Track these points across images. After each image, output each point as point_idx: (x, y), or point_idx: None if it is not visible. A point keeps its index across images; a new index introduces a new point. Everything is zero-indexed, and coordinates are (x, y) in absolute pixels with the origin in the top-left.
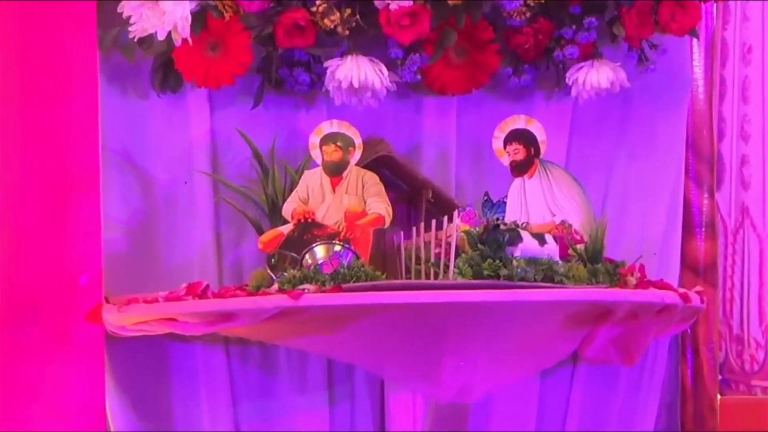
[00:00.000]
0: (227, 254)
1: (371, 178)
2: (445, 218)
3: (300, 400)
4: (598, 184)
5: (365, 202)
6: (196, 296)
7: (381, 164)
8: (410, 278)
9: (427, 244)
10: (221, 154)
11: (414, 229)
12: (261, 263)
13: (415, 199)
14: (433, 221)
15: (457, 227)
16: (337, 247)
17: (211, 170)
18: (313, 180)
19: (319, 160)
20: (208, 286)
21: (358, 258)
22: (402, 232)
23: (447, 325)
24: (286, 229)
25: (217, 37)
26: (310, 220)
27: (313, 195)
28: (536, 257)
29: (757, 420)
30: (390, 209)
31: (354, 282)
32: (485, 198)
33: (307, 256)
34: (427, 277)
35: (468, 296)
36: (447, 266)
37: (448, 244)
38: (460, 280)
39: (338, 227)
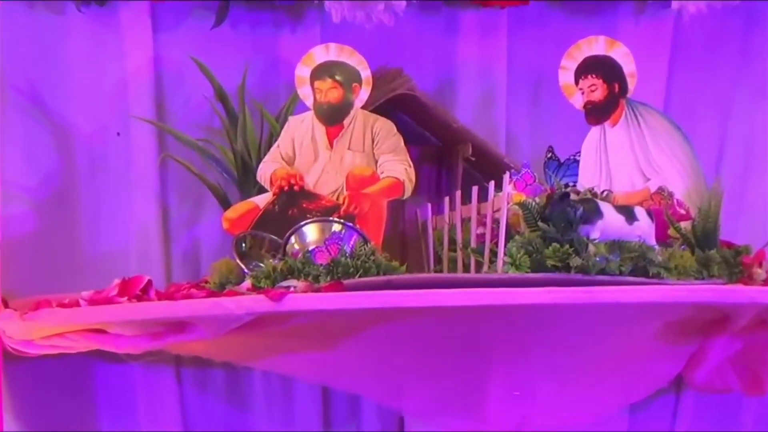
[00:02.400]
0: (178, 237)
1: (385, 128)
2: (491, 184)
3: None
4: (710, 135)
5: (376, 162)
6: (133, 297)
7: (399, 107)
8: (440, 271)
9: (465, 221)
10: (169, 94)
11: (446, 200)
12: (226, 250)
13: (447, 156)
14: (474, 189)
15: (508, 197)
16: (336, 227)
17: (154, 117)
18: (302, 130)
19: (309, 102)
20: (150, 282)
21: (366, 242)
22: (429, 205)
23: (494, 338)
24: (262, 200)
25: None
26: (296, 187)
27: (302, 152)
28: (623, 240)
29: None
30: (412, 172)
31: (361, 276)
32: (549, 155)
33: (292, 239)
34: (466, 269)
35: (524, 296)
36: (494, 253)
37: (496, 221)
38: (512, 273)
39: (337, 198)
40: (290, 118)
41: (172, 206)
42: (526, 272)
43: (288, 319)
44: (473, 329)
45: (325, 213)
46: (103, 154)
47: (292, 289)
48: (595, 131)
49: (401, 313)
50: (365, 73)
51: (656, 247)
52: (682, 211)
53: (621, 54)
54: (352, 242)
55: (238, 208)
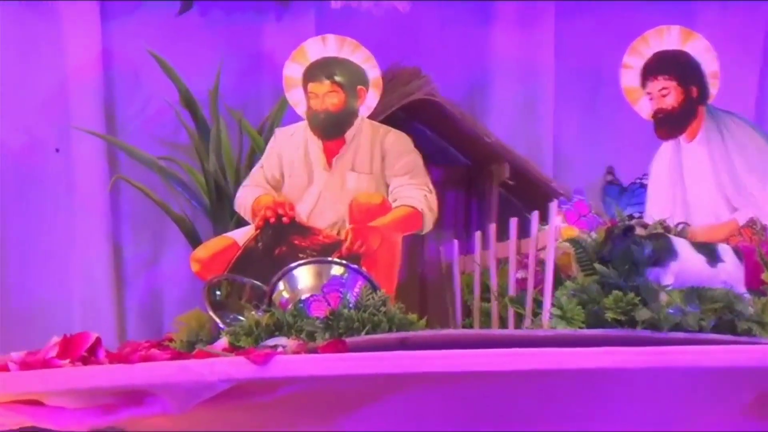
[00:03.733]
0: (134, 282)
1: (398, 143)
2: (535, 216)
3: None
4: None
5: (387, 187)
6: (77, 360)
7: (417, 116)
8: (470, 326)
9: (501, 263)
10: (121, 99)
11: (477, 235)
12: (196, 299)
13: (479, 179)
14: (513, 221)
15: (556, 232)
16: (337, 270)
17: (103, 129)
18: (292, 146)
19: (301, 109)
20: (99, 340)
21: (374, 288)
22: (456, 242)
23: (538, 410)
24: (241, 235)
25: None
26: (285, 219)
27: (292, 173)
28: (703, 287)
29: None
30: (433, 199)
31: (368, 333)
32: (608, 178)
33: (281, 285)
34: (503, 323)
35: (577, 359)
36: (539, 304)
37: (541, 263)
38: (561, 329)
39: (338, 232)
40: (277, 130)
41: (126, 242)
42: (580, 328)
43: (275, 387)
44: (511, 400)
45: (323, 252)
46: (37, 176)
47: (280, 349)
48: (666, 147)
49: (419, 380)
50: (373, 73)
51: (746, 295)
52: None
53: (700, 49)
54: (356, 289)
55: (210, 246)
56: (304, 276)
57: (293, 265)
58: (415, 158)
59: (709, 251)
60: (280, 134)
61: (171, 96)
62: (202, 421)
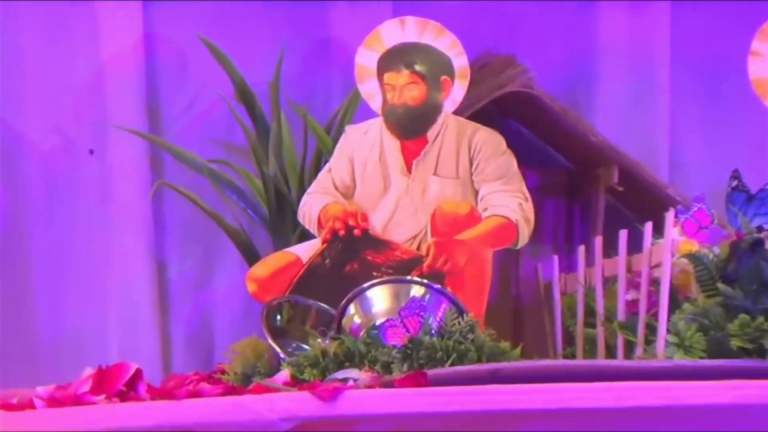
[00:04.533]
0: (180, 306)
1: (489, 142)
2: (648, 227)
3: None
4: None
5: (476, 194)
6: (114, 395)
7: (511, 111)
8: (572, 356)
9: (609, 282)
10: (166, 93)
11: (581, 250)
12: (253, 325)
13: (582, 185)
14: (622, 234)
15: (673, 247)
16: (417, 290)
17: (146, 127)
18: (365, 147)
19: (376, 104)
20: (140, 372)
21: (460, 312)
22: (556, 258)
23: None
24: (306, 250)
25: None
26: (357, 231)
27: (365, 179)
28: None
29: None
30: (529, 208)
31: (454, 364)
32: (733, 183)
33: (352, 308)
34: (610, 353)
35: (697, 394)
36: (652, 330)
37: (655, 282)
38: (679, 359)
39: (418, 247)
40: (347, 128)
41: (171, 259)
42: (700, 358)
43: (346, 427)
44: None
45: (401, 270)
46: (68, 182)
47: (350, 383)
48: None
49: (513, 420)
50: (459, 62)
51: None
52: None
53: None
54: (440, 313)
55: (269, 263)
56: (379, 298)
57: (366, 285)
58: (509, 160)
59: None
60: (351, 133)
61: (224, 89)
62: None
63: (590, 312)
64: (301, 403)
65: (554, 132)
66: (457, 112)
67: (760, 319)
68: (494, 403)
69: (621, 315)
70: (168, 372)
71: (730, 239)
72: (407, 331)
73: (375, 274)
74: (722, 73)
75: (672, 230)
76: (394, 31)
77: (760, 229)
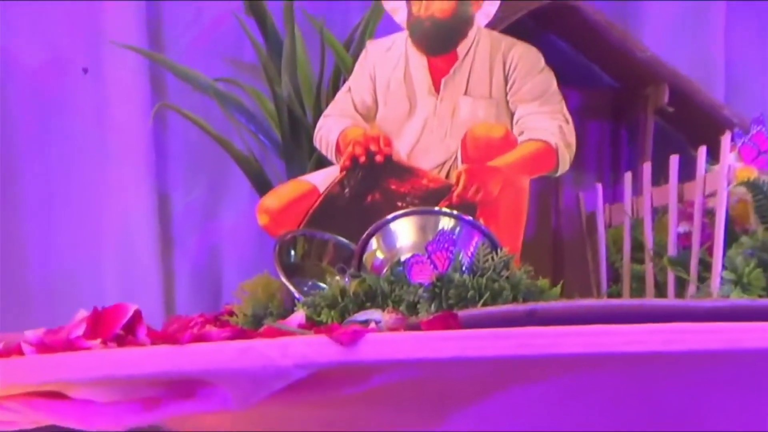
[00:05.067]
0: (184, 240)
1: (526, 59)
2: (702, 152)
3: None
4: None
5: (512, 116)
6: (111, 340)
7: (549, 25)
8: (617, 294)
9: (659, 213)
10: (168, 6)
11: (627, 177)
12: (264, 262)
13: (629, 106)
14: (674, 159)
15: (729, 174)
16: (446, 222)
17: (146, 43)
18: (388, 64)
19: (400, 17)
20: (139, 314)
21: (494, 246)
22: (599, 186)
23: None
24: (323, 179)
25: None
26: (380, 157)
27: (389, 99)
28: None
29: None
30: (570, 131)
31: (486, 304)
32: None
33: (374, 243)
34: (660, 291)
35: (758, 336)
36: (707, 266)
37: (710, 213)
38: (736, 297)
39: (447, 174)
40: (369, 43)
41: (175, 189)
42: (759, 296)
43: (366, 375)
44: (673, 389)
45: (428, 200)
46: (60, 106)
47: (372, 325)
48: None
49: (553, 365)
50: None
51: None
52: None
53: None
54: (472, 248)
55: (283, 193)
56: (404, 231)
57: (389, 217)
58: (548, 79)
59: None
60: (373, 49)
61: (233, 1)
62: (271, 420)
63: (638, 246)
64: (318, 348)
65: (598, 47)
66: (490, 26)
67: None
68: (531, 347)
69: (672, 249)
70: (171, 314)
71: None
72: (435, 267)
73: (399, 204)
74: None
75: (728, 155)
76: None
77: None
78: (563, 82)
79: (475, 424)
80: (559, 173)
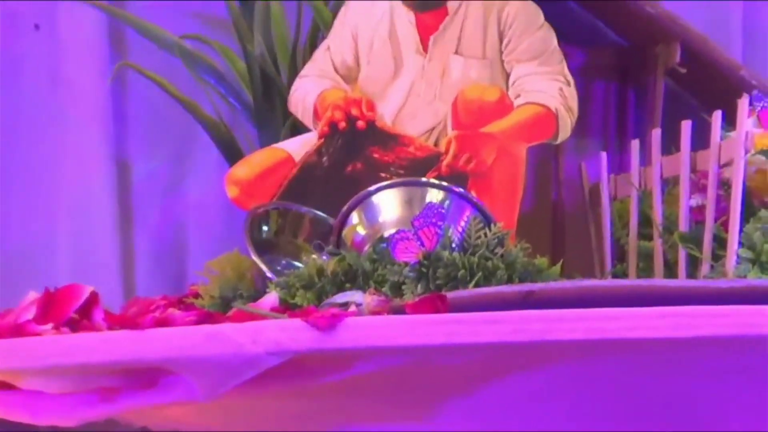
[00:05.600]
0: (145, 213)
1: (523, 14)
2: (717, 117)
3: None
4: None
5: (507, 77)
6: (64, 324)
7: None
8: (623, 274)
9: (669, 184)
10: None
11: (634, 145)
12: (233, 238)
13: (637, 67)
14: (686, 125)
15: (747, 141)
16: (435, 195)
17: None
18: (371, 21)
19: None
20: (95, 296)
21: (487, 221)
22: (604, 155)
23: (724, 396)
24: (298, 146)
25: None
26: (362, 122)
27: (372, 59)
28: None
29: None
30: (572, 94)
31: (478, 284)
32: None
33: (354, 217)
34: (670, 271)
35: None
36: (722, 243)
37: (726, 184)
38: (754, 278)
39: (436, 142)
40: None
41: (136, 158)
42: None
43: (346, 363)
44: (684, 379)
45: (415, 170)
46: (10, 65)
47: (353, 308)
48: None
49: (552, 352)
50: None
51: None
52: None
53: None
54: (462, 223)
55: (255, 162)
56: (388, 204)
57: (372, 188)
58: (547, 36)
59: None
60: (355, 3)
61: None
62: (240, 412)
63: (646, 221)
64: (293, 333)
65: (604, 2)
66: None
67: None
68: (528, 332)
69: (683, 224)
70: (130, 296)
71: None
72: (422, 244)
73: (383, 175)
74: None
75: (746, 120)
76: None
77: None
78: (564, 39)
79: (466, 416)
80: (559, 140)
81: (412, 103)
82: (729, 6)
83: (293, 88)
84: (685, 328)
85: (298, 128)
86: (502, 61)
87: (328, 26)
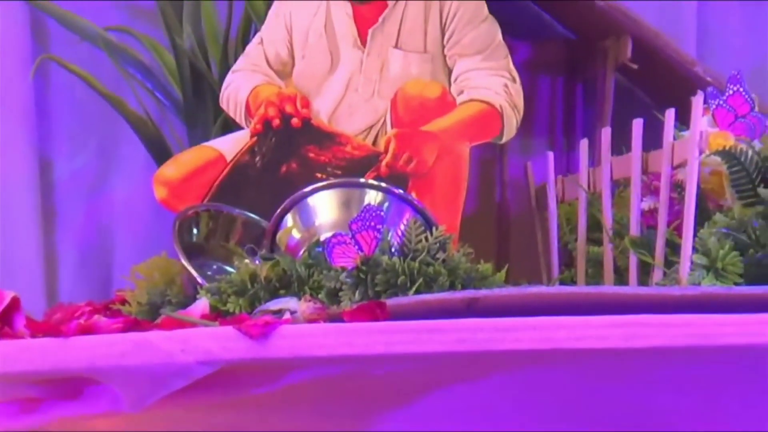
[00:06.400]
0: (69, 214)
1: (466, 6)
2: (670, 115)
3: None
4: None
5: (449, 72)
6: None
7: None
8: (571, 281)
9: (619, 185)
10: None
11: (583, 144)
12: (161, 241)
13: (586, 61)
14: (637, 123)
15: (701, 141)
16: (373, 196)
17: None
18: (306, 11)
19: None
20: (16, 301)
21: (428, 225)
22: (551, 154)
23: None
24: (230, 145)
25: None
26: (297, 120)
27: (308, 52)
28: None
29: None
30: (518, 90)
31: (419, 291)
32: None
33: (289, 219)
34: (620, 278)
35: (734, 330)
36: (675, 248)
37: (679, 186)
38: (708, 285)
39: (375, 140)
40: None
41: (58, 155)
42: (736, 283)
43: (281, 373)
44: (631, 390)
45: (352, 170)
46: None
47: (287, 315)
48: None
49: (496, 362)
50: None
51: None
52: None
53: None
54: (403, 226)
55: (184, 161)
56: (324, 206)
57: (307, 189)
58: (491, 29)
59: None
60: None
61: None
62: (169, 424)
63: (595, 225)
64: (224, 342)
65: None
66: None
67: None
68: (471, 342)
69: (634, 228)
70: (53, 301)
71: None
72: (360, 249)
73: (319, 175)
74: None
75: (700, 119)
76: None
77: None
78: (510, 32)
79: (405, 428)
80: (504, 139)
81: (350, 99)
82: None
83: (225, 83)
84: (638, 338)
85: (229, 126)
86: (445, 56)
87: (261, 18)
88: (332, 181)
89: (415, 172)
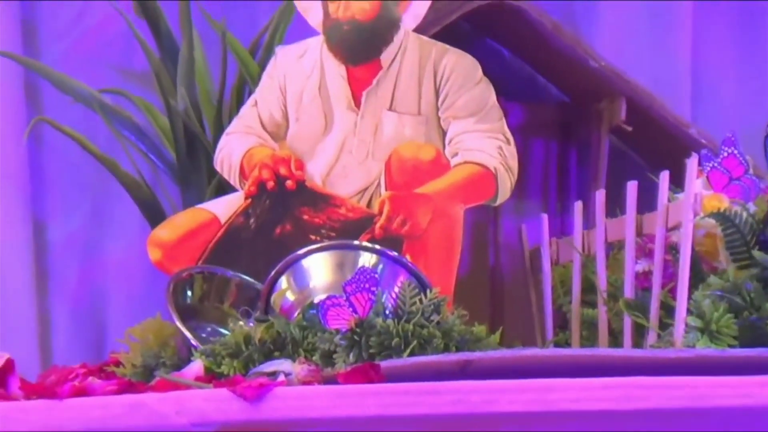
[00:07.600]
0: (63, 275)
1: (460, 68)
2: (664, 177)
3: None
4: None
5: (444, 135)
6: None
7: (488, 30)
8: (566, 343)
9: (613, 248)
10: (46, 3)
11: (578, 207)
12: (155, 303)
13: (581, 123)
14: (631, 186)
15: (695, 203)
16: (367, 259)
17: (20, 48)
18: (301, 73)
19: (315, 19)
20: (11, 363)
21: (423, 287)
22: (545, 217)
23: None
24: (224, 207)
25: None
26: (291, 183)
27: (302, 114)
28: None
29: None
30: (512, 153)
31: (413, 353)
32: None
33: (283, 282)
34: (615, 340)
35: (730, 392)
36: (669, 311)
37: (673, 249)
38: (702, 347)
39: (369, 202)
40: (278, 49)
41: (52, 218)
42: (731, 346)
43: None
44: None
45: (347, 232)
46: None
47: (281, 378)
48: None
49: (490, 424)
50: None
51: None
52: None
53: None
54: (397, 288)
55: (178, 223)
56: (318, 268)
57: (302, 252)
58: (486, 91)
59: None
60: (283, 56)
61: None
62: None
63: (589, 287)
64: (219, 404)
65: (544, 55)
66: (419, 30)
67: None
68: (465, 404)
69: (629, 291)
70: (47, 363)
71: None
72: (354, 311)
73: (313, 237)
74: None
75: (695, 181)
76: None
77: None
78: (504, 95)
79: None
80: (498, 201)
81: (344, 161)
82: (676, 61)
83: (219, 145)
84: (633, 400)
85: (223, 188)
86: (439, 118)
87: (255, 80)
88: (326, 243)
89: (410, 234)
